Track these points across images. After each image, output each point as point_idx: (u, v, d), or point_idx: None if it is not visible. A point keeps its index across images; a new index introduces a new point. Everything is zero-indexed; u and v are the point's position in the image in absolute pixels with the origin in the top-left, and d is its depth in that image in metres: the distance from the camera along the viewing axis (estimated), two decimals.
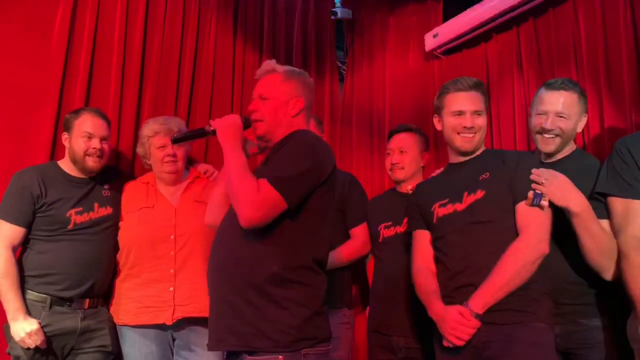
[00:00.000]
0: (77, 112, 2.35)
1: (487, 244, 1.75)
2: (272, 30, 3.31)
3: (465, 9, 3.09)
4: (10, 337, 2.10)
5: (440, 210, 1.90)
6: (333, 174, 1.64)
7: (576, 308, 1.86)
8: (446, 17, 3.32)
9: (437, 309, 1.79)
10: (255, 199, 1.50)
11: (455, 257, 1.81)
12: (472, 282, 1.74)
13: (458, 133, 1.93)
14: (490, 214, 1.79)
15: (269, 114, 1.72)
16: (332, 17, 3.52)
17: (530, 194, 1.74)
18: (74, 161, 2.31)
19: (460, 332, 1.70)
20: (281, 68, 1.80)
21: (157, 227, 2.30)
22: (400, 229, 2.31)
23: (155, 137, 2.37)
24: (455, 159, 1.98)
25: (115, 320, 2.31)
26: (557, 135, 1.99)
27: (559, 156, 2.04)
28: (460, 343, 1.70)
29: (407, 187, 2.38)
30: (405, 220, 2.25)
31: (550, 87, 2.03)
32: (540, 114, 2.01)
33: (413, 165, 2.39)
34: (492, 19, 2.92)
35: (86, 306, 2.23)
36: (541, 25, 2.75)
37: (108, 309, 2.33)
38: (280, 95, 1.74)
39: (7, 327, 2.10)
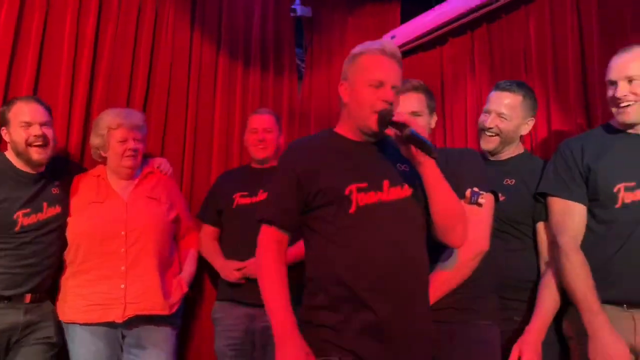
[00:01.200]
0: (10, 103, 2.24)
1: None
2: (230, 26, 3.28)
3: (422, 12, 3.15)
4: None
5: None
6: None
7: (511, 304, 1.91)
8: (404, 20, 3.38)
9: None
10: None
11: None
12: None
13: None
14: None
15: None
16: (292, 15, 3.51)
17: (468, 192, 1.75)
18: (18, 154, 2.21)
19: None
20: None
21: (108, 223, 2.25)
22: None
23: (118, 129, 2.31)
24: None
25: (62, 318, 2.25)
26: (496, 134, 2.06)
27: (504, 156, 2.11)
28: None
29: None
30: None
31: (498, 87, 2.11)
32: (485, 113, 2.08)
33: None
34: (448, 23, 2.99)
35: (27, 300, 2.16)
36: (494, 31, 2.84)
37: (53, 303, 2.28)
38: None
39: None
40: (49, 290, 2.28)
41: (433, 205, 1.58)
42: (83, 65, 2.71)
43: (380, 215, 1.55)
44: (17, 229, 2.15)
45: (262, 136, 2.64)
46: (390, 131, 1.59)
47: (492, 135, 2.07)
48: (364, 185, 1.55)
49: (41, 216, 2.21)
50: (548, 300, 1.84)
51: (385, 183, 1.56)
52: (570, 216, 1.84)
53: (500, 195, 1.89)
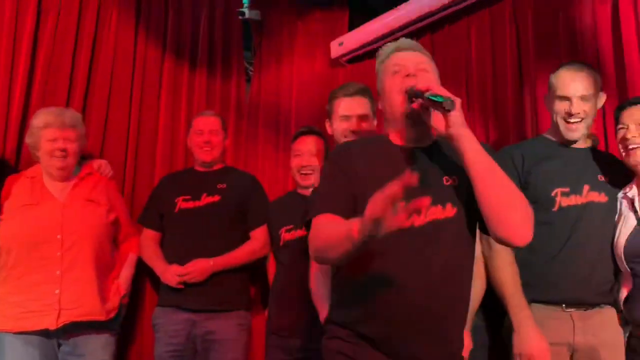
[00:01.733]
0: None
1: None
2: (176, 26, 3.23)
3: (370, 20, 3.20)
4: None
5: None
6: None
7: None
8: (352, 27, 3.42)
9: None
10: (532, 217, 1.34)
11: None
12: None
13: (345, 136, 2.00)
14: None
15: None
16: (240, 17, 3.49)
17: None
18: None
19: None
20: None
21: (42, 226, 2.17)
22: (301, 232, 2.31)
23: (46, 129, 2.23)
24: None
25: None
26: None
27: None
28: None
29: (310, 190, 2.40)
30: None
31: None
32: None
33: (319, 169, 2.41)
34: (394, 32, 3.05)
35: None
36: (438, 40, 2.92)
37: None
38: None
39: None
40: None
41: (476, 190, 1.32)
42: (21, 62, 2.63)
43: (405, 245, 1.33)
44: None
45: (208, 138, 2.60)
46: (417, 105, 1.37)
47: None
48: None
49: None
50: (474, 288, 1.83)
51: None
52: None
53: None
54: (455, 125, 1.32)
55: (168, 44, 3.17)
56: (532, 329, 1.77)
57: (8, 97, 2.59)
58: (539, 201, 1.87)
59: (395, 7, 3.01)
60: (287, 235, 2.39)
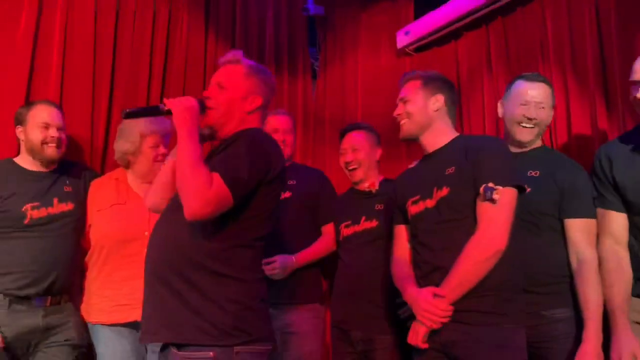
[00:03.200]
0: (29, 105, 2.34)
1: (454, 245, 1.72)
2: (244, 28, 3.30)
3: (436, 7, 3.12)
4: None
5: (413, 207, 1.90)
6: (281, 175, 1.65)
7: (537, 298, 1.85)
8: (417, 15, 3.35)
9: (411, 291, 1.79)
10: (207, 195, 1.47)
11: (424, 259, 1.81)
12: (438, 285, 1.73)
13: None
14: (456, 212, 1.76)
15: (224, 105, 1.69)
16: (304, 14, 3.51)
17: (482, 188, 1.69)
18: (32, 153, 2.28)
19: (434, 313, 1.67)
20: (246, 62, 1.77)
21: (131, 224, 2.27)
22: (358, 227, 2.37)
23: (150, 136, 2.33)
24: (425, 149, 1.96)
25: (87, 319, 2.29)
26: (535, 125, 2.02)
27: (527, 148, 2.07)
28: (432, 325, 1.68)
29: (365, 185, 2.40)
30: (363, 218, 2.34)
31: (526, 78, 2.08)
32: (521, 105, 2.03)
33: (366, 162, 2.41)
34: (462, 17, 2.96)
35: (47, 304, 2.19)
36: (510, 24, 2.81)
37: (75, 306, 2.31)
38: (239, 89, 1.71)
39: None
40: (68, 292, 2.30)
41: None
42: (103, 71, 2.77)
43: None
44: (26, 221, 2.19)
45: (284, 137, 2.62)
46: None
47: (532, 127, 2.02)
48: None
49: (52, 210, 2.25)
50: (595, 302, 1.81)
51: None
52: (608, 223, 1.87)
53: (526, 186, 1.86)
54: (175, 126, 1.61)
55: (237, 45, 3.24)
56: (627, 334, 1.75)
57: (92, 107, 2.72)
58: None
59: None
60: (346, 230, 2.44)
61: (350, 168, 2.43)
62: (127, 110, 1.67)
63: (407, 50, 3.36)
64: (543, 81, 2.06)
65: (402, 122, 1.93)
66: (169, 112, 1.62)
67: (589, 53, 2.37)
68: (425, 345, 1.71)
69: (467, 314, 1.67)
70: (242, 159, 1.55)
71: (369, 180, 2.41)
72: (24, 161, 2.31)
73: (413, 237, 1.90)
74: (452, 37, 3.12)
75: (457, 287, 1.67)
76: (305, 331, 2.42)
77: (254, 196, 1.57)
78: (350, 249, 2.38)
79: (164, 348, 1.58)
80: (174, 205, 1.60)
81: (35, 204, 2.22)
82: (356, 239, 2.37)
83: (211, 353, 1.47)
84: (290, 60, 3.47)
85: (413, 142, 2.00)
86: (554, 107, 2.12)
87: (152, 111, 1.72)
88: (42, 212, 2.23)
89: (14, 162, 2.31)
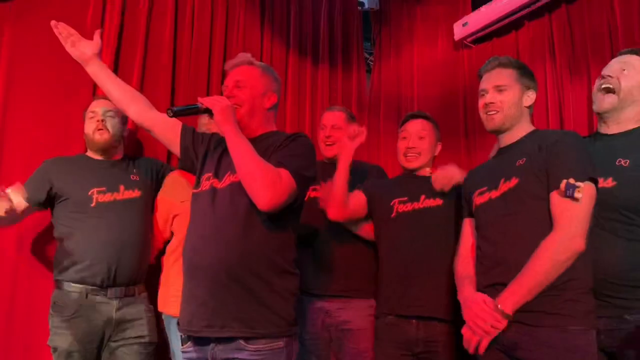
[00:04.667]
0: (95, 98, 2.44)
1: (519, 238, 1.66)
2: (299, 23, 3.31)
3: None
4: (52, 328, 2.14)
5: (478, 198, 1.84)
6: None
7: (621, 302, 1.70)
8: (475, 6, 3.26)
9: (467, 292, 1.74)
10: (280, 186, 1.57)
11: (488, 253, 1.74)
12: (502, 281, 1.65)
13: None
14: (523, 205, 1.68)
15: (248, 101, 1.76)
16: (359, 8, 3.49)
17: (563, 184, 1.60)
18: (90, 144, 2.36)
19: (482, 321, 1.62)
20: (257, 62, 1.86)
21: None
22: (418, 204, 2.21)
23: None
24: (501, 142, 1.88)
25: (163, 309, 2.32)
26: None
27: (614, 129, 1.89)
28: (479, 332, 1.62)
29: (427, 171, 2.29)
30: (422, 197, 2.21)
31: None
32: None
33: (429, 153, 2.30)
34: (524, 7, 2.86)
35: (122, 295, 2.22)
36: (574, 12, 2.69)
37: (149, 298, 2.33)
38: (257, 86, 1.79)
39: (52, 317, 2.15)
40: (141, 282, 2.32)
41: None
42: (162, 71, 2.83)
43: None
44: (93, 204, 2.24)
45: (329, 133, 2.62)
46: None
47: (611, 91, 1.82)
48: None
49: (118, 196, 2.29)
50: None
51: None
52: None
53: (611, 179, 1.74)
54: (219, 124, 1.67)
55: (291, 42, 3.26)
56: None
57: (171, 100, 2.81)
58: None
59: None
60: (401, 207, 2.27)
61: (411, 154, 2.30)
62: (174, 108, 1.71)
63: (465, 42, 3.28)
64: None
65: (494, 113, 1.83)
66: (208, 111, 1.69)
67: None
68: (481, 351, 1.65)
69: (529, 314, 1.60)
70: (305, 158, 1.69)
71: (423, 172, 2.34)
72: (90, 154, 2.40)
73: (477, 230, 1.84)
74: (512, 27, 3.02)
75: (534, 288, 1.59)
76: (362, 328, 2.39)
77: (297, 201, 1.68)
78: (404, 226, 2.21)
79: (220, 341, 1.60)
80: (225, 202, 1.65)
81: (102, 188, 2.27)
82: (413, 216, 2.21)
83: (281, 343, 1.59)
84: (345, 55, 3.46)
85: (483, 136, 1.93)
86: None
87: (194, 110, 1.75)
88: (109, 197, 2.27)
89: (85, 155, 2.41)
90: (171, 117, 1.71)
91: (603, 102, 1.84)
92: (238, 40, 3.08)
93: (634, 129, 1.83)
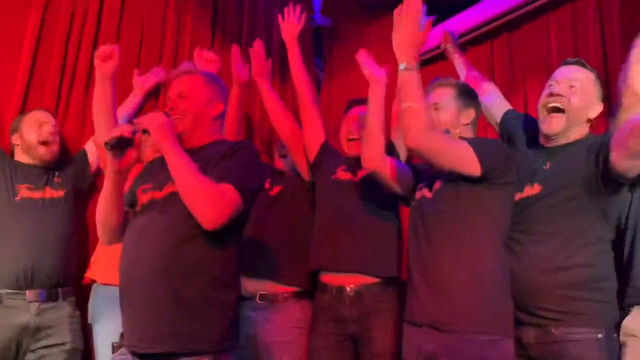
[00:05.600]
0: (24, 113, 2.43)
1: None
2: (250, 34, 3.32)
3: (441, 22, 3.14)
4: None
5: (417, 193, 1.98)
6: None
7: (550, 314, 1.70)
8: None
9: None
10: (222, 203, 1.53)
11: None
12: None
13: None
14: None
15: (191, 112, 1.71)
16: (311, 24, 3.54)
17: None
18: (28, 152, 2.33)
19: None
20: (202, 71, 1.86)
21: None
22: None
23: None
24: None
25: (91, 275, 2.29)
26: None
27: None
28: None
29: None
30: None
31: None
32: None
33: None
34: (467, 33, 2.99)
35: (42, 298, 2.12)
36: (515, 40, 2.83)
37: (77, 304, 2.26)
38: (202, 95, 1.74)
39: None
40: (66, 285, 2.25)
41: None
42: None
43: None
44: (17, 198, 2.20)
45: (282, 143, 2.65)
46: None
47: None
48: None
49: (43, 194, 2.27)
50: None
51: None
52: None
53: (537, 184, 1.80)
54: (157, 143, 1.66)
55: (242, 52, 3.26)
56: None
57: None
58: None
59: (471, 5, 2.95)
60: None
61: (350, 137, 2.39)
62: (111, 142, 1.63)
63: None
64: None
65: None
66: (146, 132, 1.64)
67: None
68: None
69: (442, 317, 1.65)
70: (250, 169, 1.64)
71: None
72: (20, 157, 2.38)
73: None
74: None
75: None
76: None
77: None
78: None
79: (152, 357, 1.55)
80: (163, 213, 1.61)
81: (30, 185, 2.25)
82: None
83: (206, 359, 1.53)
84: None
85: None
86: None
87: (130, 136, 1.68)
88: (34, 194, 2.25)
89: (11, 159, 2.37)
90: (110, 150, 1.62)
91: (551, 123, 1.85)
92: (187, 46, 3.06)
93: (578, 140, 1.85)
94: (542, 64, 2.64)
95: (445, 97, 1.93)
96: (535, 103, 2.02)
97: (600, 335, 1.64)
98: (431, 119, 1.74)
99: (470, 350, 1.62)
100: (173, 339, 1.51)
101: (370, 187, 2.17)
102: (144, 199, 1.68)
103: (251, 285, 2.30)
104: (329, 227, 2.23)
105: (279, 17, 2.53)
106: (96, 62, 2.12)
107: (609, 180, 1.65)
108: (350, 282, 2.11)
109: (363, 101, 2.35)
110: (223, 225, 1.54)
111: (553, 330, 1.68)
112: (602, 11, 2.41)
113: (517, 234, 1.78)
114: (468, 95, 1.96)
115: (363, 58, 2.01)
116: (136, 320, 1.56)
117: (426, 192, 1.88)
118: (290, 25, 2.46)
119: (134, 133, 1.63)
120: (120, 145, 1.62)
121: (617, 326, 1.72)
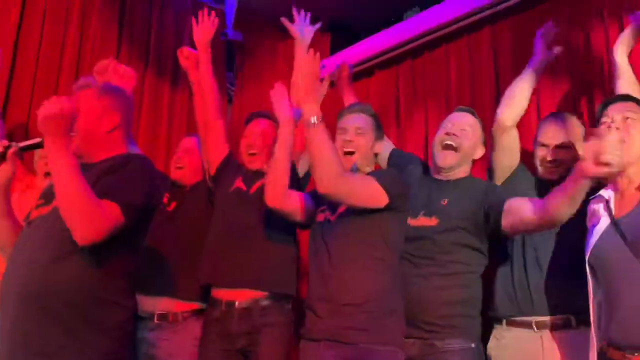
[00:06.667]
0: None
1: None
2: (159, 45, 3.24)
3: (352, 44, 3.26)
4: None
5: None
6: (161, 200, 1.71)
7: (431, 327, 1.86)
8: (333, 50, 3.47)
9: None
10: (99, 220, 1.47)
11: None
12: None
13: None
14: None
15: (81, 128, 1.64)
16: (222, 38, 3.52)
17: None
18: None
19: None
20: (97, 84, 1.77)
21: None
22: None
23: None
24: None
25: None
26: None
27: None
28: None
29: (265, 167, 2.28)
30: None
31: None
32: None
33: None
34: (374, 57, 3.12)
35: None
36: (417, 65, 3.00)
37: None
38: (92, 110, 1.68)
39: None
40: None
41: None
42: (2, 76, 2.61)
43: None
44: None
45: (179, 155, 2.59)
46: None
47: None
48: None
49: None
50: None
51: None
52: None
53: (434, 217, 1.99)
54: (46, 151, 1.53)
55: (150, 64, 3.17)
56: None
57: None
58: None
59: (379, 31, 3.08)
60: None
61: (251, 152, 2.32)
62: (21, 147, 1.63)
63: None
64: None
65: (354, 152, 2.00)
66: (27, 148, 1.64)
67: (486, 93, 2.58)
68: None
69: (348, 331, 1.73)
70: (135, 184, 1.57)
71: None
72: None
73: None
74: (364, 74, 3.26)
75: None
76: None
77: (141, 221, 1.59)
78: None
79: None
80: (42, 227, 1.55)
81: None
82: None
83: None
84: None
85: None
86: None
87: (38, 144, 1.63)
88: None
89: None
90: (21, 158, 1.57)
91: (446, 158, 2.04)
92: (93, 54, 2.94)
93: (463, 177, 2.07)
94: (442, 89, 2.82)
95: (367, 125, 2.04)
96: (436, 126, 2.21)
97: (473, 345, 1.88)
98: (340, 163, 1.82)
99: None
100: (41, 359, 1.43)
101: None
102: (34, 214, 1.61)
103: (149, 304, 2.21)
104: (219, 241, 2.19)
105: (193, 20, 2.45)
106: None
107: (495, 232, 1.93)
108: (241, 296, 2.10)
109: (265, 114, 2.38)
110: (98, 242, 1.47)
111: (436, 343, 1.87)
112: (495, 43, 2.63)
113: (413, 258, 1.96)
114: (380, 128, 2.09)
115: (276, 96, 2.03)
116: (5, 341, 1.47)
117: (329, 215, 1.95)
118: (204, 29, 2.41)
119: (8, 148, 1.59)
120: (26, 150, 1.60)
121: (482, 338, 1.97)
